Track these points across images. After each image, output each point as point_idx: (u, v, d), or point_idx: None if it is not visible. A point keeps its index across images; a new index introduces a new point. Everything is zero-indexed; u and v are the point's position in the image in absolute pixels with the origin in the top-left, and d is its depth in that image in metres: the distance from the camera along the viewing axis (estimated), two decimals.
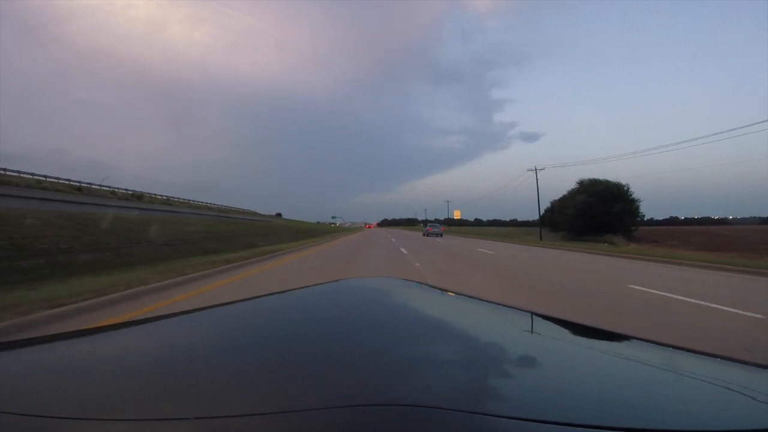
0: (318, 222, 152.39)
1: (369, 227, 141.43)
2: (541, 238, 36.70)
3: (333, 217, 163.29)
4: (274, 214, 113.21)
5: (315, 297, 1.16)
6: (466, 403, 0.46)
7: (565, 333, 0.90)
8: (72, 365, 0.64)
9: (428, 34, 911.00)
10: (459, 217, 55.00)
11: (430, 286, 1.38)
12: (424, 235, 37.50)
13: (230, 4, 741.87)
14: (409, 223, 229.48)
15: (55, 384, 0.54)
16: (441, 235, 36.56)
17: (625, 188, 50.28)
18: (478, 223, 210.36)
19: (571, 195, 55.29)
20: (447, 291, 1.32)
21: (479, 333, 0.84)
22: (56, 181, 26.14)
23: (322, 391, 0.50)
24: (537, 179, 39.19)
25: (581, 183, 54.75)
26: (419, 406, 0.43)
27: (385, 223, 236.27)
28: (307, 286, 1.29)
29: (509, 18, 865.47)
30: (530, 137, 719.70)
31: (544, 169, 39.39)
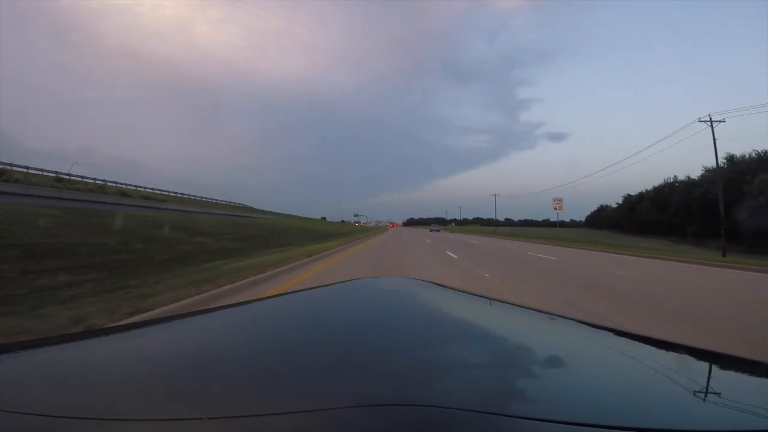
0: (343, 221, 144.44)
1: (392, 226, 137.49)
2: (724, 254, 17.61)
3: (356, 216, 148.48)
4: (319, 217, 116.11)
5: (329, 297, 1.14)
6: (487, 405, 0.45)
7: (581, 333, 0.88)
8: (84, 366, 0.62)
9: (453, 33, 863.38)
10: (561, 210, 36.01)
11: (446, 286, 1.32)
12: (430, 231, 53.56)
13: (259, 4, 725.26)
14: (437, 222, 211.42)
15: (67, 385, 0.53)
16: (438, 230, 56.45)
17: None
18: (508, 222, 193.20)
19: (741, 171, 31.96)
20: (462, 291, 1.28)
21: (497, 334, 0.83)
22: None
23: (339, 390, 0.48)
24: (713, 134, 19.97)
25: (735, 159, 32.21)
26: (440, 407, 0.42)
27: (411, 222, 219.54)
28: (321, 286, 1.28)
29: (534, 16, 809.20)
30: (557, 137, 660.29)
31: (723, 121, 20.18)
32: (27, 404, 0.44)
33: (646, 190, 57.33)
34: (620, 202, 73.13)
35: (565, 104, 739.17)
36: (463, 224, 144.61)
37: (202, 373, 0.56)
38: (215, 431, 0.40)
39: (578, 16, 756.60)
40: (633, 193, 63.35)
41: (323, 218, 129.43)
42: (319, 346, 0.67)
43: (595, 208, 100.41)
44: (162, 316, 1.06)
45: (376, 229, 64.77)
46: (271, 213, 65.32)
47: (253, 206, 68.49)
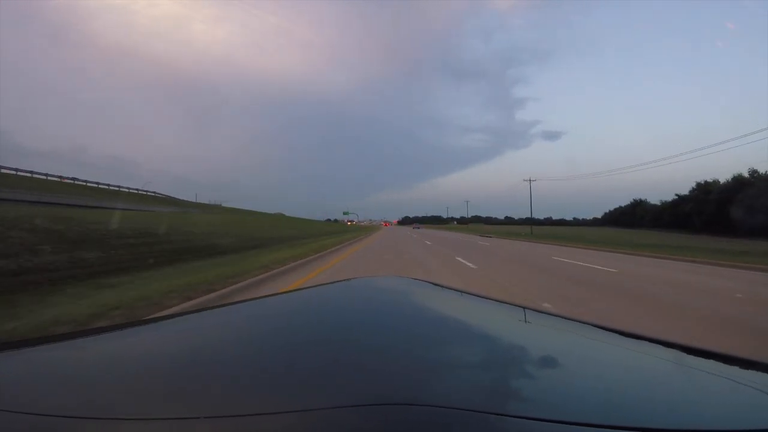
0: (336, 220, 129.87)
1: (386, 225, 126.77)
2: None
3: (345, 213, 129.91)
4: (325, 220, 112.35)
5: (325, 296, 1.12)
6: (485, 404, 0.44)
7: (580, 332, 0.86)
8: (83, 365, 0.61)
9: (451, 33, 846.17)
10: None
11: (442, 285, 1.29)
12: (413, 228, 68.39)
13: (255, 3, 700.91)
14: (435, 221, 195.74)
15: (66, 384, 0.52)
16: (419, 228, 69.81)
17: None
18: (509, 221, 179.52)
19: None
20: (458, 290, 1.26)
21: (495, 333, 0.82)
22: None
23: (336, 390, 0.48)
24: None
25: None
26: (438, 407, 0.41)
27: (406, 221, 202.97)
28: (316, 286, 1.28)
29: (531, 15, 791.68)
30: (552, 135, 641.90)
31: None
32: (25, 403, 0.44)
33: (742, 175, 39.44)
34: (680, 194, 55.97)
35: (560, 103, 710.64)
36: (466, 223, 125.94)
37: (199, 372, 0.55)
38: (212, 431, 0.39)
39: (574, 16, 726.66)
40: (703, 181, 46.05)
41: (328, 220, 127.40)
42: (315, 346, 0.66)
43: (629, 202, 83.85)
44: (158, 315, 0.97)
45: (366, 229, 52.07)
46: (203, 206, 46.53)
47: (180, 198, 49.92)
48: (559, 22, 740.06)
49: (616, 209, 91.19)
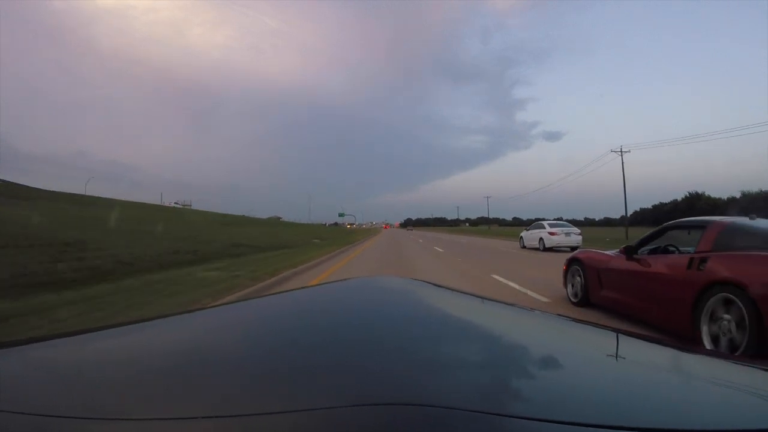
0: (336, 224, 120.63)
1: (386, 227, 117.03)
2: None
3: (341, 215, 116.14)
4: (330, 224, 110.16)
5: (324, 296, 1.12)
6: (484, 404, 0.43)
7: (579, 333, 0.85)
8: (80, 365, 0.61)
9: (449, 34, 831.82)
10: None
11: (442, 286, 1.27)
12: (407, 230, 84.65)
13: (253, 6, 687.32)
14: (440, 222, 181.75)
15: (64, 384, 0.52)
16: (411, 230, 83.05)
17: None
18: (517, 222, 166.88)
19: None
20: (458, 291, 1.23)
21: (494, 334, 0.81)
22: None
23: (335, 390, 0.47)
24: None
25: None
26: (436, 407, 0.41)
27: (409, 223, 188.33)
28: (315, 286, 1.27)
29: (529, 14, 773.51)
30: (553, 136, 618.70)
31: None
32: (21, 403, 0.43)
33: None
34: None
35: (561, 103, 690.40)
36: (477, 224, 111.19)
37: (197, 372, 0.54)
38: (210, 430, 0.39)
39: (570, 15, 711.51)
40: None
41: (335, 224, 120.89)
42: (314, 346, 0.65)
43: (683, 196, 69.00)
44: (157, 315, 0.92)
45: (358, 235, 40.53)
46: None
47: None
48: (557, 22, 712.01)
49: (657, 206, 76.54)
